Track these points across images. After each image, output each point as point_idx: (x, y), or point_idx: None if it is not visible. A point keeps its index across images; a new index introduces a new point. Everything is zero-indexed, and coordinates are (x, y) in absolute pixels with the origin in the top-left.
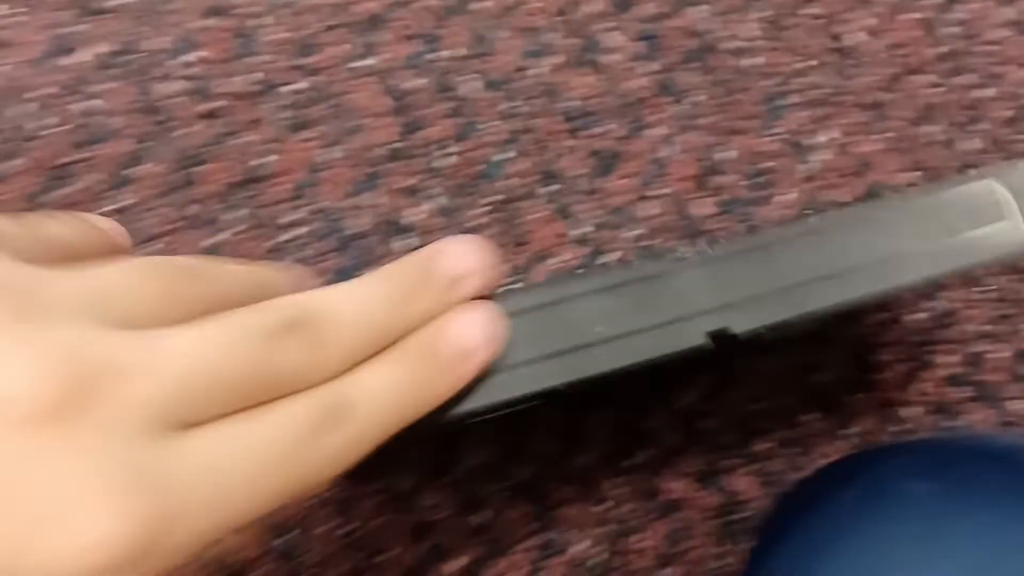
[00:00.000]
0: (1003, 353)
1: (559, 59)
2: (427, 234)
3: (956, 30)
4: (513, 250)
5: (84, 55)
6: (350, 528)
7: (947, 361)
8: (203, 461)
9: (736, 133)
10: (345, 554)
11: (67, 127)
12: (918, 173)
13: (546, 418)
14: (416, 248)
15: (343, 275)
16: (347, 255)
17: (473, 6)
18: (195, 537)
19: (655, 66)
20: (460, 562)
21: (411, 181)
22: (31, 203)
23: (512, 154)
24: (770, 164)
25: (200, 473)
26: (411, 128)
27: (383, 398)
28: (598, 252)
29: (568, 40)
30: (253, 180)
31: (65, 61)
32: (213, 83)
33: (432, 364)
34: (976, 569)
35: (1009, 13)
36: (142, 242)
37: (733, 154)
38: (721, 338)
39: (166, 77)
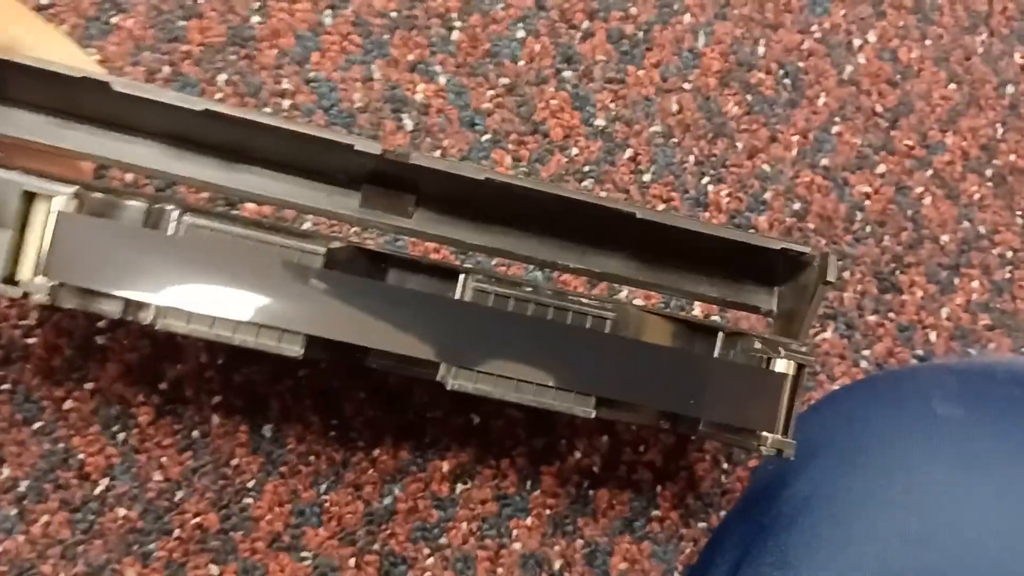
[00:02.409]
0: None
1: None
2: (427, 115)
3: None
4: (524, 139)
5: None
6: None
7: (971, 287)
8: None
9: (772, 27)
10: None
11: None
12: (953, 86)
13: None
14: (414, 130)
15: None
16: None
17: None
18: None
19: None
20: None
21: (414, 55)
22: None
23: (525, 34)
24: (803, 64)
25: None
26: None
27: None
28: (615, 147)
29: None
30: (239, 42)
31: None
32: None
33: None
34: (1004, 490)
35: None
36: None
37: (765, 50)
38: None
39: None
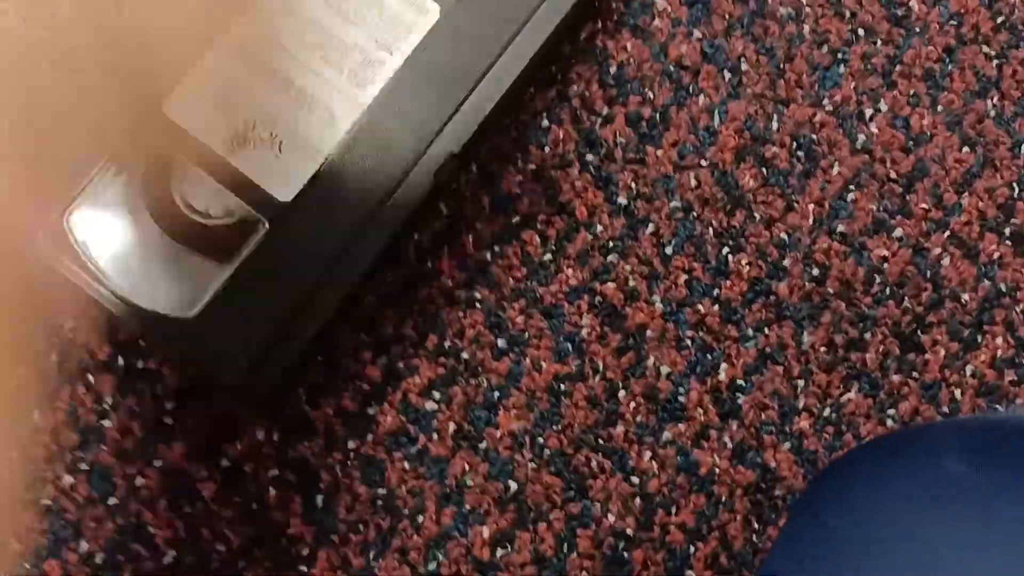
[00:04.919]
0: None
1: (598, 24)
2: (463, 201)
3: (1017, 1)
4: (552, 219)
5: None
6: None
7: (995, 344)
8: None
9: (783, 103)
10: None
11: None
12: (967, 150)
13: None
14: (450, 215)
15: None
16: None
17: None
18: None
19: (699, 33)
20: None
21: None
22: None
23: (549, 123)
24: (816, 135)
25: None
26: None
27: None
28: (638, 223)
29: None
30: None
31: None
32: None
33: None
34: (1008, 543)
35: None
36: None
37: (778, 125)
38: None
39: None
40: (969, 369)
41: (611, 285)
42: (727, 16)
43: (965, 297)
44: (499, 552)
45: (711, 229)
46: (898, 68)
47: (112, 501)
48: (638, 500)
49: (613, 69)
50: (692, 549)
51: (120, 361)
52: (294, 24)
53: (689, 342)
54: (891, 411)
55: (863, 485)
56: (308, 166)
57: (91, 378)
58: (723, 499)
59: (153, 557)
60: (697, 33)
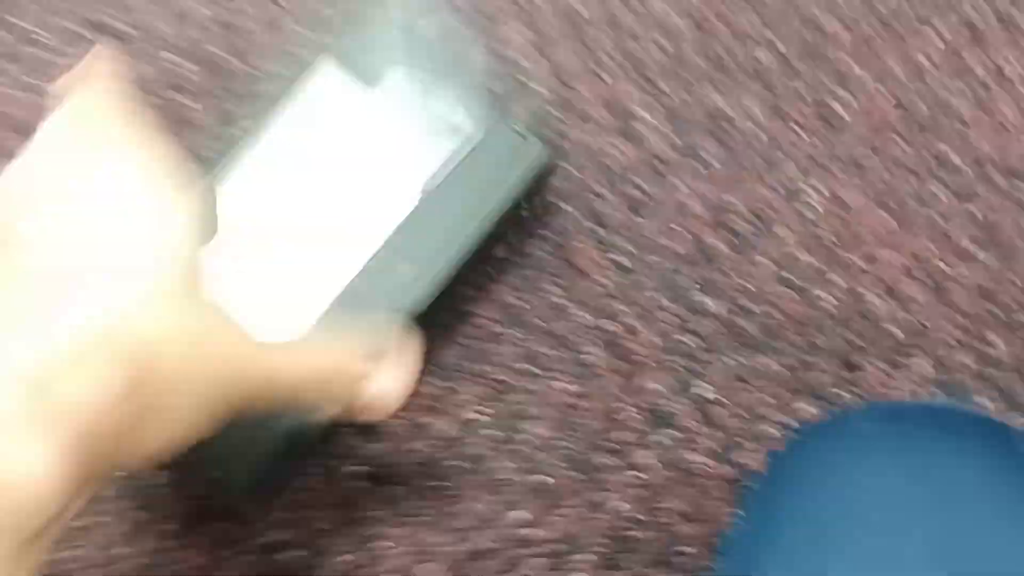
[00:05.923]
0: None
1: None
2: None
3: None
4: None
5: None
6: None
7: (921, 366)
8: None
9: (744, 185)
10: None
11: None
12: (889, 217)
13: None
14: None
15: None
16: None
17: None
18: None
19: (679, 141)
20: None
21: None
22: None
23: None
24: (768, 210)
25: None
26: None
27: None
28: (634, 275)
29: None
30: None
31: None
32: None
33: None
34: (900, 482)
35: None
36: None
37: (739, 201)
38: None
39: None
40: (901, 383)
41: (613, 324)
42: (694, 121)
43: (894, 330)
44: (532, 531)
45: (692, 281)
46: (834, 159)
47: None
48: (641, 490)
49: (616, 170)
50: (686, 529)
51: None
52: None
53: (676, 365)
54: None
55: (801, 451)
56: None
57: None
58: (708, 489)
59: None
60: (672, 134)
